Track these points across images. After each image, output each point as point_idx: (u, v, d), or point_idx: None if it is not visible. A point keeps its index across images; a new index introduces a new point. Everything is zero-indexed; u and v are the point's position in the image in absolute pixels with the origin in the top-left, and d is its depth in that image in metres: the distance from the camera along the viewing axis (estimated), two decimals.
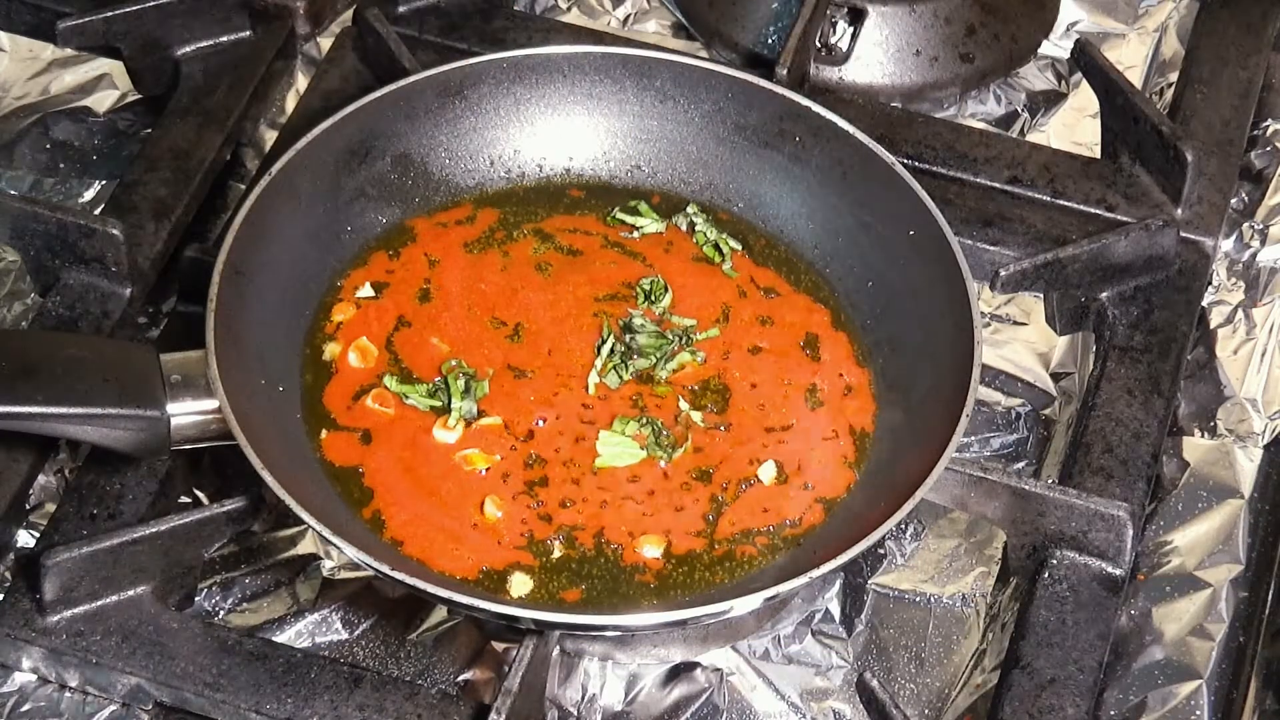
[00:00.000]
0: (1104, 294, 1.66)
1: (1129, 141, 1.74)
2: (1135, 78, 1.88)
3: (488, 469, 1.50)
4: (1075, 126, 1.86)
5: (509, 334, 1.58)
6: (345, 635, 1.51)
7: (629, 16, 1.94)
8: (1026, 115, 1.87)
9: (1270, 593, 1.52)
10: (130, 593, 1.45)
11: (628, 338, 1.57)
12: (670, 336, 1.57)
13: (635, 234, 1.65)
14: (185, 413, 1.44)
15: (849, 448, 1.53)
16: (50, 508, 1.54)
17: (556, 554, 1.46)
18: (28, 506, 1.55)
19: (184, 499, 1.56)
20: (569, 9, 1.94)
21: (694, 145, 1.68)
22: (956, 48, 1.86)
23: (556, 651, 1.46)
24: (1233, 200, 1.75)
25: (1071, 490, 1.49)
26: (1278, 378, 1.66)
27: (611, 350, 1.56)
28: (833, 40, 1.84)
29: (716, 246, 1.64)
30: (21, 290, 1.69)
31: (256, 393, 1.48)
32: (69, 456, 1.57)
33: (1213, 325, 1.69)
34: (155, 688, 1.43)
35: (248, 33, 1.82)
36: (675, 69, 1.67)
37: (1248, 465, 1.59)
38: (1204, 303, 1.69)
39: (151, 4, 1.78)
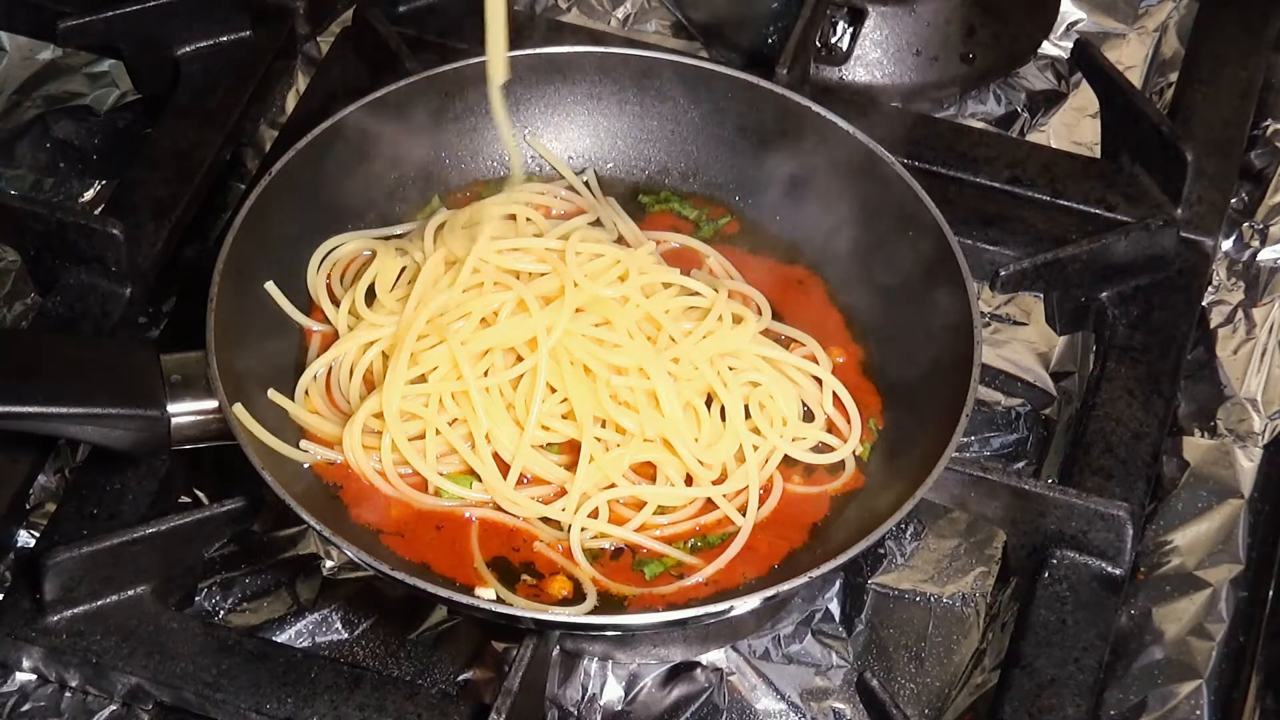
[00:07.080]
0: (1104, 294, 1.66)
1: (1129, 141, 1.74)
2: (1135, 78, 1.88)
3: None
4: (1075, 126, 1.86)
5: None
6: (345, 635, 1.51)
7: (629, 16, 1.94)
8: (1026, 115, 1.87)
9: (1270, 593, 1.52)
10: (130, 593, 1.45)
11: None
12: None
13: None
14: (185, 413, 1.44)
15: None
16: (50, 508, 1.53)
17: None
18: (28, 506, 1.55)
19: (184, 499, 1.56)
20: (569, 9, 1.94)
21: (694, 145, 1.68)
22: (956, 48, 1.86)
23: (556, 651, 1.46)
24: (1233, 200, 1.75)
25: (1071, 490, 1.49)
26: (1278, 378, 1.66)
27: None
28: (833, 40, 1.84)
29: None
30: (21, 290, 1.69)
31: (256, 393, 1.48)
32: (69, 457, 1.57)
33: (1213, 325, 1.69)
34: (155, 688, 1.43)
35: (248, 33, 1.82)
36: (675, 69, 1.67)
37: (1248, 465, 1.59)
38: (1204, 303, 1.69)
39: (151, 4, 1.78)
